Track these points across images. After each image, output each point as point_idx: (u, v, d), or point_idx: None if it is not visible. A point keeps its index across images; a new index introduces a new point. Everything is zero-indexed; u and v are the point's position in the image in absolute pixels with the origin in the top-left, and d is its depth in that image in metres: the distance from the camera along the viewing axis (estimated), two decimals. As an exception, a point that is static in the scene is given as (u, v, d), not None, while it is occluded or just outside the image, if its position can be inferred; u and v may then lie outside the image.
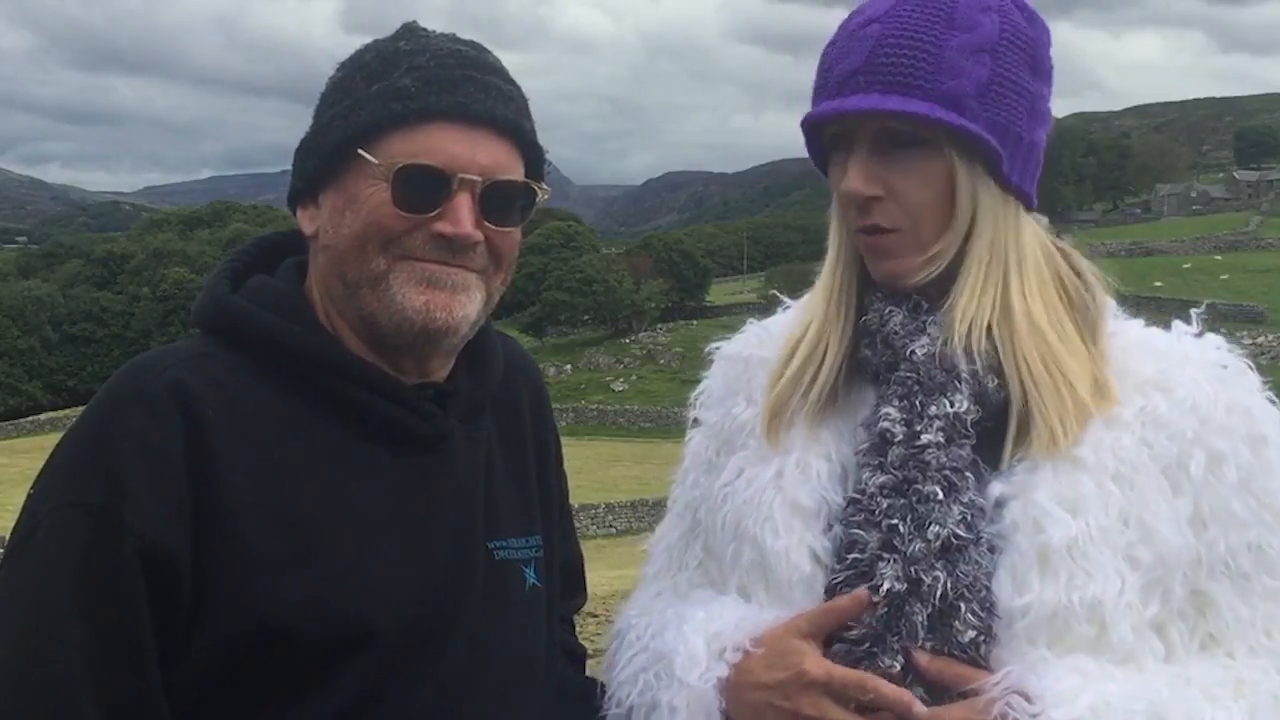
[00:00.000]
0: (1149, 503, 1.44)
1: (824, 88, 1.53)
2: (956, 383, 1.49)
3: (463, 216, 1.49)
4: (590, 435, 62.87)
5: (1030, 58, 1.53)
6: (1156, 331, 1.57)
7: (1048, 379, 1.47)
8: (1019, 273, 1.51)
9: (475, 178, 1.50)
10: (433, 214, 1.49)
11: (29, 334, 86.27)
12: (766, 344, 1.70)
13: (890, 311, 1.54)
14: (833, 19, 1.53)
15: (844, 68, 1.51)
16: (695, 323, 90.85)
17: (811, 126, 1.57)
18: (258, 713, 1.41)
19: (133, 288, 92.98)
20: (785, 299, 1.75)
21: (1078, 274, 1.56)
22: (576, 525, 2.04)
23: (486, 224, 1.52)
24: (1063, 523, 1.42)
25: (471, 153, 1.50)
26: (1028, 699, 1.38)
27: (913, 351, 1.52)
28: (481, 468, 1.62)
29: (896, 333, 1.53)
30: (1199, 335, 1.56)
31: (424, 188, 1.48)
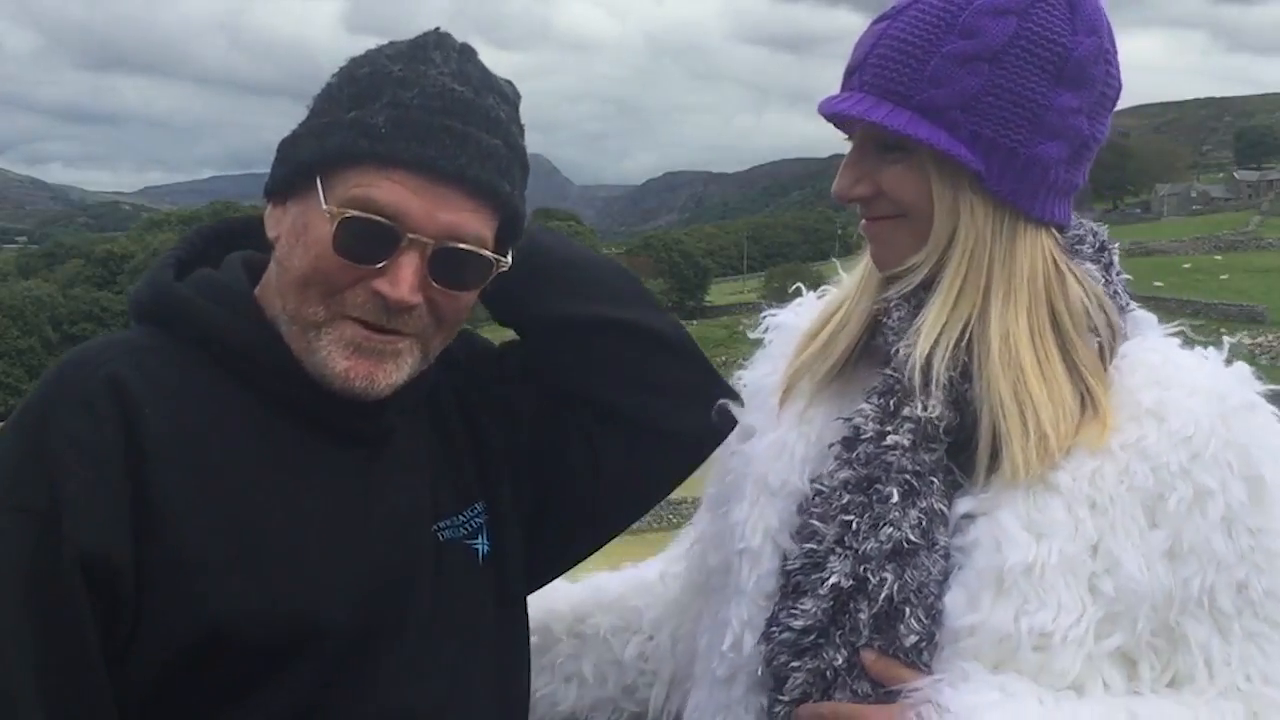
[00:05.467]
0: (1120, 534, 1.40)
1: (843, 78, 1.54)
2: (932, 387, 1.47)
3: (402, 278, 1.41)
4: (590, 435, 62.31)
5: (1053, 65, 1.46)
6: (1174, 358, 1.49)
7: (1015, 409, 1.43)
8: (1003, 289, 1.47)
9: (427, 239, 1.41)
10: (377, 266, 1.41)
11: (29, 334, 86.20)
12: (806, 314, 1.71)
13: (896, 305, 1.53)
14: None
15: (850, 63, 1.52)
16: (695, 323, 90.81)
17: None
18: (209, 715, 1.39)
19: (132, 288, 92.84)
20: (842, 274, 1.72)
21: (1068, 302, 1.49)
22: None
23: (434, 285, 1.43)
24: (1023, 546, 1.40)
25: (431, 210, 1.41)
26: (944, 710, 1.38)
27: (897, 350, 1.51)
28: (424, 457, 1.59)
29: (891, 328, 1.53)
30: (1228, 364, 1.50)
31: (369, 240, 1.41)
